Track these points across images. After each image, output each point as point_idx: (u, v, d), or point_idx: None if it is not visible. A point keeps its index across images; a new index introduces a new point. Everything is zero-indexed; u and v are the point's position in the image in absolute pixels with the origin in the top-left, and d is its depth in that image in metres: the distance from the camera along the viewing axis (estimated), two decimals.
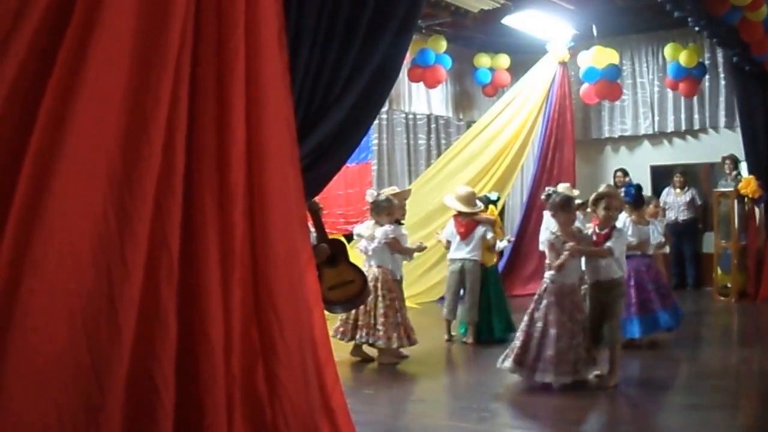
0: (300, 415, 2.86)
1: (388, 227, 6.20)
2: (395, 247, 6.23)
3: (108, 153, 2.44)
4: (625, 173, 10.64)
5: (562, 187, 8.10)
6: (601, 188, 5.53)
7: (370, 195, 6.42)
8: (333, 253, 5.35)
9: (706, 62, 10.37)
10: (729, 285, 9.26)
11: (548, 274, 5.15)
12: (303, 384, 2.89)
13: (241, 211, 2.75)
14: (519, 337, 5.17)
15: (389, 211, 6.28)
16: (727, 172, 9.86)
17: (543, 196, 5.64)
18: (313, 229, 4.99)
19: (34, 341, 2.22)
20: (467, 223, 7.00)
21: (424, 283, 9.21)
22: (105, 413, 2.36)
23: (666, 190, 10.53)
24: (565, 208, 5.18)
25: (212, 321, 2.64)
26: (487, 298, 6.99)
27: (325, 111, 3.30)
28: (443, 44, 9.93)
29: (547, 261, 5.23)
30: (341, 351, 5.83)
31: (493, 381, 5.58)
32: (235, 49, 2.71)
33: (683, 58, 9.69)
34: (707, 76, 10.48)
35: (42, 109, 2.32)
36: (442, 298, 9.01)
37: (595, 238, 5.29)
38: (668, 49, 9.94)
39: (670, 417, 4.59)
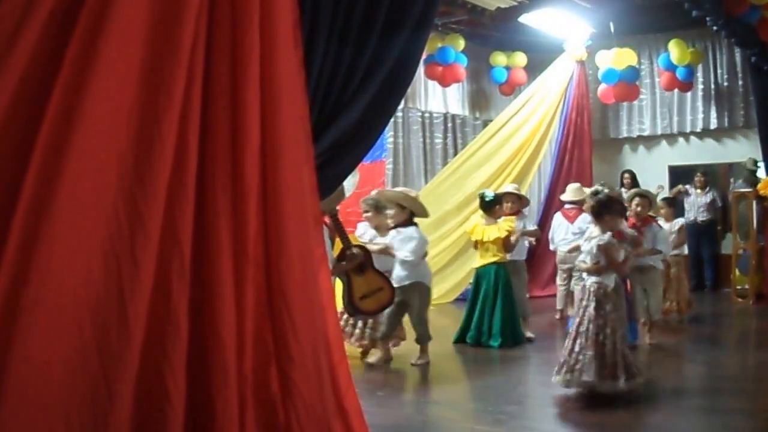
0: (313, 417, 2.82)
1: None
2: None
3: (119, 150, 2.41)
4: (633, 175, 10.50)
5: (572, 188, 8.08)
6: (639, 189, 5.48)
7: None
8: (361, 261, 5.32)
9: (725, 62, 10.28)
10: (747, 286, 9.16)
11: (594, 278, 4.86)
12: (317, 385, 2.85)
13: (255, 209, 2.71)
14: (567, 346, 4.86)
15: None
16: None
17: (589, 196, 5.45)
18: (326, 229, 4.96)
19: (41, 349, 2.18)
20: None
21: (435, 284, 9.09)
22: (114, 416, 2.33)
23: (687, 186, 10.41)
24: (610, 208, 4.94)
25: (224, 321, 2.60)
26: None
27: (340, 109, 3.25)
28: (461, 42, 9.87)
29: (588, 264, 4.90)
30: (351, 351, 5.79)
31: (510, 383, 5.53)
32: (249, 46, 2.67)
33: (677, 54, 9.67)
34: (725, 76, 10.37)
35: (50, 105, 2.28)
36: (458, 299, 9.02)
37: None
38: (671, 46, 9.89)
39: (688, 420, 4.52)
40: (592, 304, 4.77)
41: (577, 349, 4.74)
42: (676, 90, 10.65)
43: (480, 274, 6.86)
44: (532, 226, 7.60)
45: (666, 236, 5.05)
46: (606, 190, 5.24)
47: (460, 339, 6.82)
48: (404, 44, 3.34)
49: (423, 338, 6.03)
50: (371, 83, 3.28)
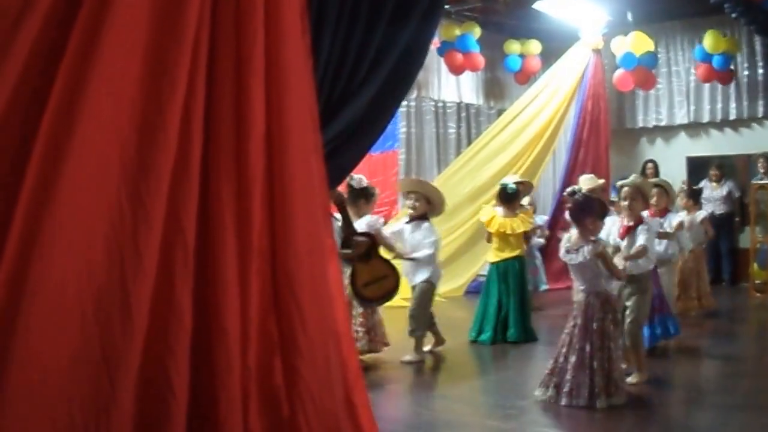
0: (321, 410, 2.79)
1: (371, 218, 5.71)
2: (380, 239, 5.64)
3: (122, 139, 2.38)
4: (656, 165, 10.34)
5: (585, 179, 7.95)
6: (631, 177, 5.29)
7: (358, 182, 5.71)
8: (367, 247, 5.25)
9: (744, 51, 10.10)
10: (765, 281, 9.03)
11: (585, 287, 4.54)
12: (325, 378, 2.82)
13: (260, 199, 2.68)
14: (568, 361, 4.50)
15: (375, 199, 5.91)
16: (762, 171, 9.61)
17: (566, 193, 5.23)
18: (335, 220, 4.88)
19: (43, 339, 2.16)
20: None
21: (447, 275, 8.98)
22: (116, 408, 2.31)
23: (702, 183, 10.27)
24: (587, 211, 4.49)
25: (228, 312, 2.57)
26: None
27: (348, 97, 3.21)
28: (477, 30, 9.77)
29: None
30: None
31: (521, 378, 5.47)
32: (254, 33, 2.64)
33: (724, 47, 9.45)
34: (746, 65, 10.20)
35: (53, 93, 2.26)
36: (468, 292, 8.94)
37: (620, 230, 5.07)
38: (708, 39, 9.68)
39: (704, 417, 4.45)
40: (611, 314, 4.48)
41: (569, 366, 4.44)
42: (693, 80, 10.50)
43: (502, 268, 6.61)
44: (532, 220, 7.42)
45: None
46: (584, 189, 4.97)
47: (485, 339, 6.53)
48: (413, 31, 3.30)
49: (415, 331, 5.90)
50: (380, 71, 3.23)
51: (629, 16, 9.84)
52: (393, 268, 5.41)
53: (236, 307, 2.59)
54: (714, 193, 10.10)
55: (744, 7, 7.50)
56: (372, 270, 5.22)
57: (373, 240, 5.34)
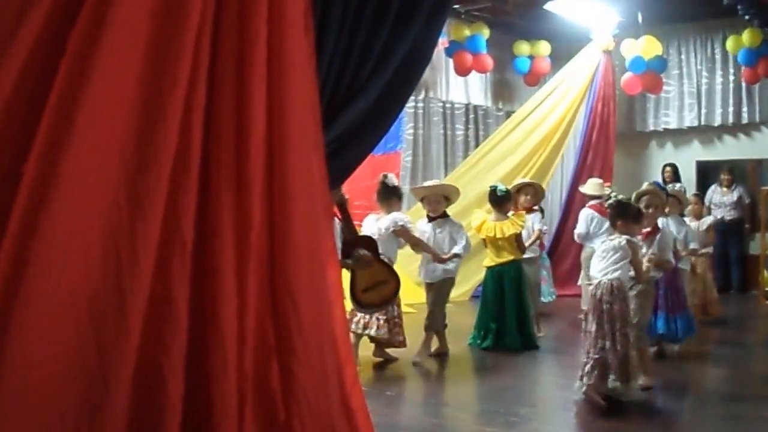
0: (317, 414, 2.74)
1: (397, 214, 5.78)
2: (406, 237, 5.76)
3: (121, 136, 2.34)
4: (675, 169, 10.21)
5: (594, 182, 7.85)
6: (643, 186, 5.42)
7: (392, 180, 5.91)
8: (368, 259, 5.17)
9: None
10: None
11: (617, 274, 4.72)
12: (321, 382, 2.77)
13: (259, 198, 2.63)
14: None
15: (403, 198, 6.05)
16: None
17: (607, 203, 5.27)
18: (337, 222, 4.83)
19: (37, 342, 2.11)
20: None
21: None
22: (109, 410, 2.26)
23: (712, 187, 10.16)
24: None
25: (225, 312, 2.52)
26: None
27: (352, 96, 3.15)
28: (487, 31, 9.71)
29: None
30: (361, 349, 5.68)
31: (523, 386, 5.41)
32: (256, 30, 2.60)
33: (748, 41, 9.34)
34: None
35: (54, 91, 2.22)
36: (474, 296, 8.86)
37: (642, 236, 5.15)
38: (730, 42, 9.57)
39: (711, 428, 4.38)
40: (619, 301, 4.64)
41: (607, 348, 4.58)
42: (705, 82, 10.40)
43: (497, 273, 6.53)
44: (539, 224, 7.28)
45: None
46: (620, 196, 5.10)
47: (487, 345, 6.48)
48: (418, 31, 3.23)
49: (431, 326, 5.98)
50: (384, 70, 3.17)
51: (640, 18, 9.75)
52: (393, 273, 5.33)
53: (233, 307, 2.54)
54: (724, 199, 10.01)
55: (757, 9, 7.43)
56: (373, 275, 5.13)
57: (374, 245, 5.25)
